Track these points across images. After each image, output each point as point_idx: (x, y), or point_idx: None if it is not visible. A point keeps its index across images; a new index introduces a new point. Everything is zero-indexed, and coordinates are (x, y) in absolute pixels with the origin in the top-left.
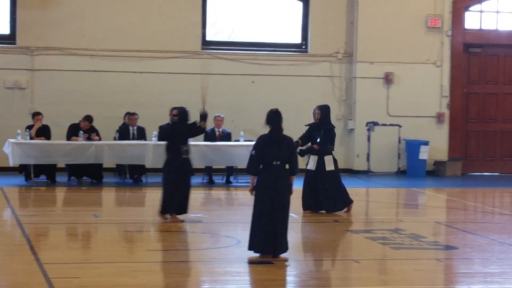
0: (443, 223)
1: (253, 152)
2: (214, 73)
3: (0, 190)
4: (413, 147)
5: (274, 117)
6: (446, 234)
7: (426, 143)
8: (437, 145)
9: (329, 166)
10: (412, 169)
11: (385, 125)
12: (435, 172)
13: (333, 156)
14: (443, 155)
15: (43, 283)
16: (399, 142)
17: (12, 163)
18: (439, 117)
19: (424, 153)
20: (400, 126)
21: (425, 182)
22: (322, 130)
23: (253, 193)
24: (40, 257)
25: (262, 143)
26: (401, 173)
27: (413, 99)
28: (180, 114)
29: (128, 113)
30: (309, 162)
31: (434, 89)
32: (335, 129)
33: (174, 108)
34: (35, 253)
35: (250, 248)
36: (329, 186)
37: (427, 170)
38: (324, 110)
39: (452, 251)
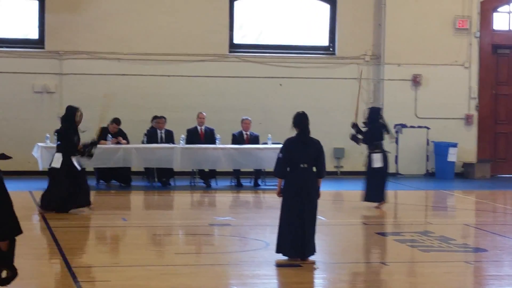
0: (472, 225)
1: (280, 155)
2: (242, 76)
3: (30, 194)
4: (441, 149)
5: (301, 120)
6: (475, 236)
7: (454, 145)
8: (465, 147)
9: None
10: (441, 171)
11: (413, 127)
12: (464, 174)
13: None
14: (472, 157)
15: (73, 286)
16: (428, 144)
17: (41, 167)
18: (467, 119)
19: (452, 155)
20: (428, 128)
21: (454, 184)
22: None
23: (281, 196)
24: (69, 260)
25: (289, 146)
26: (429, 175)
27: (441, 101)
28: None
29: (155, 117)
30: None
31: (462, 90)
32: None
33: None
34: (65, 256)
35: (278, 251)
36: None
37: (456, 172)
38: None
39: (481, 254)
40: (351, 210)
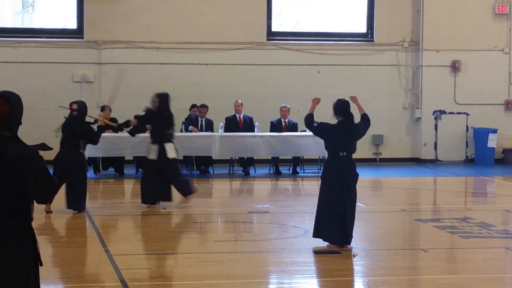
0: None
1: (315, 124)
2: (280, 63)
3: None
4: (481, 135)
5: (344, 107)
6: None
7: (494, 131)
8: (505, 132)
9: (171, 153)
10: (481, 157)
11: (453, 113)
12: (504, 160)
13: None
14: None
15: (113, 274)
16: (467, 130)
17: None
18: (507, 105)
19: (492, 141)
20: (467, 114)
21: (494, 170)
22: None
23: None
24: (109, 248)
25: (330, 132)
26: (469, 161)
27: (481, 87)
28: None
29: (193, 105)
30: (151, 152)
31: (502, 76)
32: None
33: None
34: (105, 244)
35: (315, 235)
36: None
37: (496, 158)
38: (162, 98)
39: None
40: (390, 197)
